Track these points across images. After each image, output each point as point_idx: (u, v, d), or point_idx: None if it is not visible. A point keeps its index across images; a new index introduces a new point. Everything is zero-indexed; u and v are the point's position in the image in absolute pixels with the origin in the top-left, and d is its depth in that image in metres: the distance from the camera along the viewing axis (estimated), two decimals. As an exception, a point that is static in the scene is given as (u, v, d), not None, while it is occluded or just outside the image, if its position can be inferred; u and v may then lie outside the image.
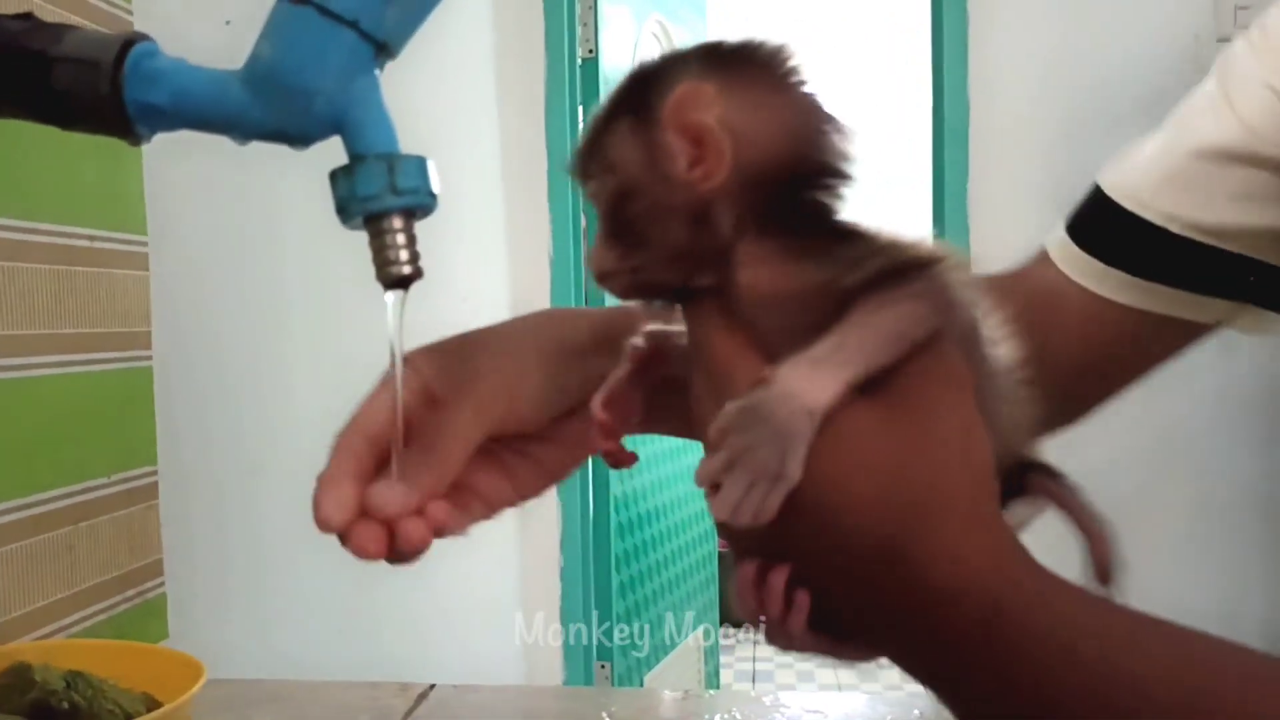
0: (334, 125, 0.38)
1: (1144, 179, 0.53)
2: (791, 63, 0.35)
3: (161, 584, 0.89)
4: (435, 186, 0.39)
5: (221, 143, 0.39)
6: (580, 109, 2.20)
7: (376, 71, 0.38)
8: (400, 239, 0.38)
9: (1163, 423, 1.84)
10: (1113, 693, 0.31)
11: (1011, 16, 1.90)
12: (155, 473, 0.88)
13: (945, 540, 0.32)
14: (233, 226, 1.05)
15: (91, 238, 0.81)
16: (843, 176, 0.35)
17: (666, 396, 0.38)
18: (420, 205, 0.38)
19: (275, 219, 1.12)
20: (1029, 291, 0.56)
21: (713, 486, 0.31)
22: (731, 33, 0.37)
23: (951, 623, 0.32)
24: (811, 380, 0.31)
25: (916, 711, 0.77)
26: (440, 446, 0.39)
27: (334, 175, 0.38)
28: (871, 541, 0.32)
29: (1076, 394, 0.56)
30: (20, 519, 0.73)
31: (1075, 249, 0.55)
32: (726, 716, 0.77)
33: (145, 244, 0.87)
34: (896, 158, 2.84)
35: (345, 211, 0.38)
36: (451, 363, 0.42)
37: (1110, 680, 0.31)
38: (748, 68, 0.34)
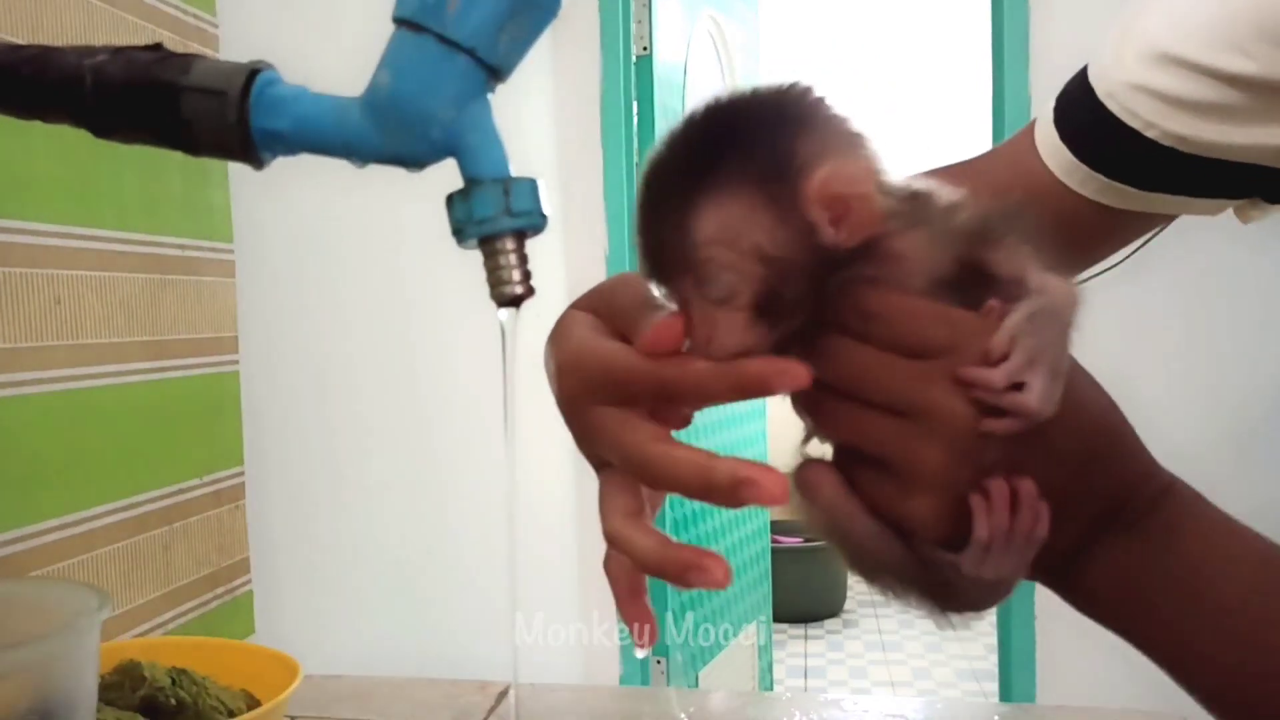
0: (449, 149, 0.39)
1: (1143, 92, 0.50)
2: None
3: (248, 582, 0.92)
4: (546, 207, 0.40)
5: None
6: (635, 105, 2.21)
7: (489, 95, 0.39)
8: (513, 259, 0.39)
9: (1230, 416, 1.81)
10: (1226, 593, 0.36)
11: (1073, 7, 1.86)
12: (242, 474, 0.91)
13: (1130, 432, 0.38)
14: (316, 234, 1.07)
15: (181, 246, 0.84)
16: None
17: None
18: (532, 226, 0.39)
19: (358, 227, 1.15)
20: (1009, 172, 0.56)
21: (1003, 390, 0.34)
22: (781, 74, 0.40)
23: (1137, 500, 0.37)
24: (1065, 281, 0.35)
25: (995, 717, 0.77)
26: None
27: (450, 199, 0.39)
28: (1093, 431, 0.37)
29: None
30: (122, 520, 0.76)
31: (1067, 153, 0.54)
32: (804, 719, 0.77)
33: (231, 251, 0.90)
34: (956, 152, 2.81)
35: (461, 233, 0.39)
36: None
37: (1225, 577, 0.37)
38: (847, 124, 0.37)
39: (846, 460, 0.38)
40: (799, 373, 0.33)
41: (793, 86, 0.37)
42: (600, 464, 0.38)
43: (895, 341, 0.36)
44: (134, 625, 0.76)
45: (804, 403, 0.38)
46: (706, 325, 0.36)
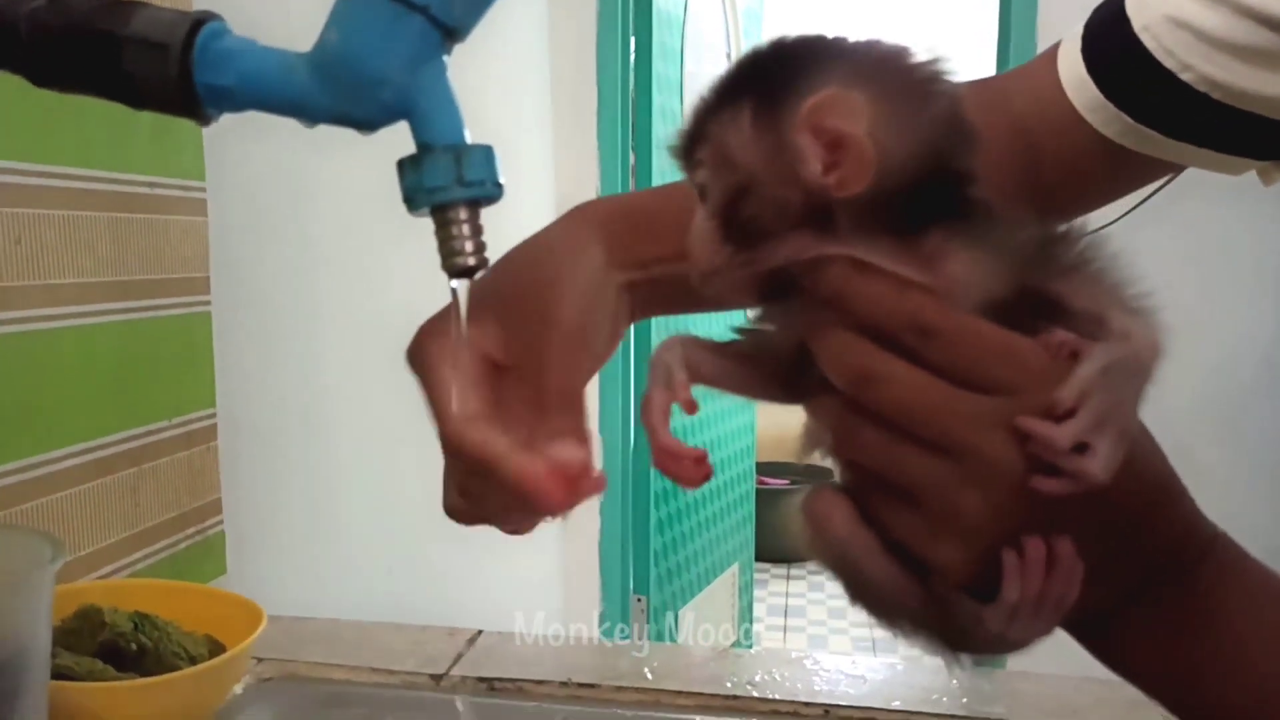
0: (401, 112, 0.38)
1: (1182, 28, 0.46)
2: (934, 71, 0.35)
3: (220, 522, 0.92)
4: (500, 176, 0.38)
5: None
6: (632, 42, 2.15)
7: (445, 58, 0.38)
8: (466, 229, 0.38)
9: (1200, 382, 1.80)
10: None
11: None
12: (214, 415, 0.90)
13: (1177, 483, 0.35)
14: (292, 171, 1.05)
15: (150, 184, 0.82)
16: (967, 183, 0.34)
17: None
18: (486, 196, 0.38)
19: (336, 165, 1.12)
20: (1026, 100, 0.52)
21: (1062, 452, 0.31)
22: (865, 31, 0.36)
23: (1180, 561, 0.35)
24: (1150, 326, 0.32)
25: (954, 682, 0.78)
26: (565, 404, 0.41)
27: (401, 165, 0.37)
28: (1145, 488, 0.34)
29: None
30: (86, 462, 0.75)
31: (1093, 88, 0.49)
32: (766, 676, 0.78)
33: (203, 189, 0.88)
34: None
35: (412, 201, 0.38)
36: (514, 328, 0.43)
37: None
38: (893, 78, 0.34)
39: (863, 483, 0.35)
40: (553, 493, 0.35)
41: (902, 48, 0.35)
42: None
43: (952, 370, 0.32)
44: (100, 566, 0.76)
45: (827, 418, 0.35)
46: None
